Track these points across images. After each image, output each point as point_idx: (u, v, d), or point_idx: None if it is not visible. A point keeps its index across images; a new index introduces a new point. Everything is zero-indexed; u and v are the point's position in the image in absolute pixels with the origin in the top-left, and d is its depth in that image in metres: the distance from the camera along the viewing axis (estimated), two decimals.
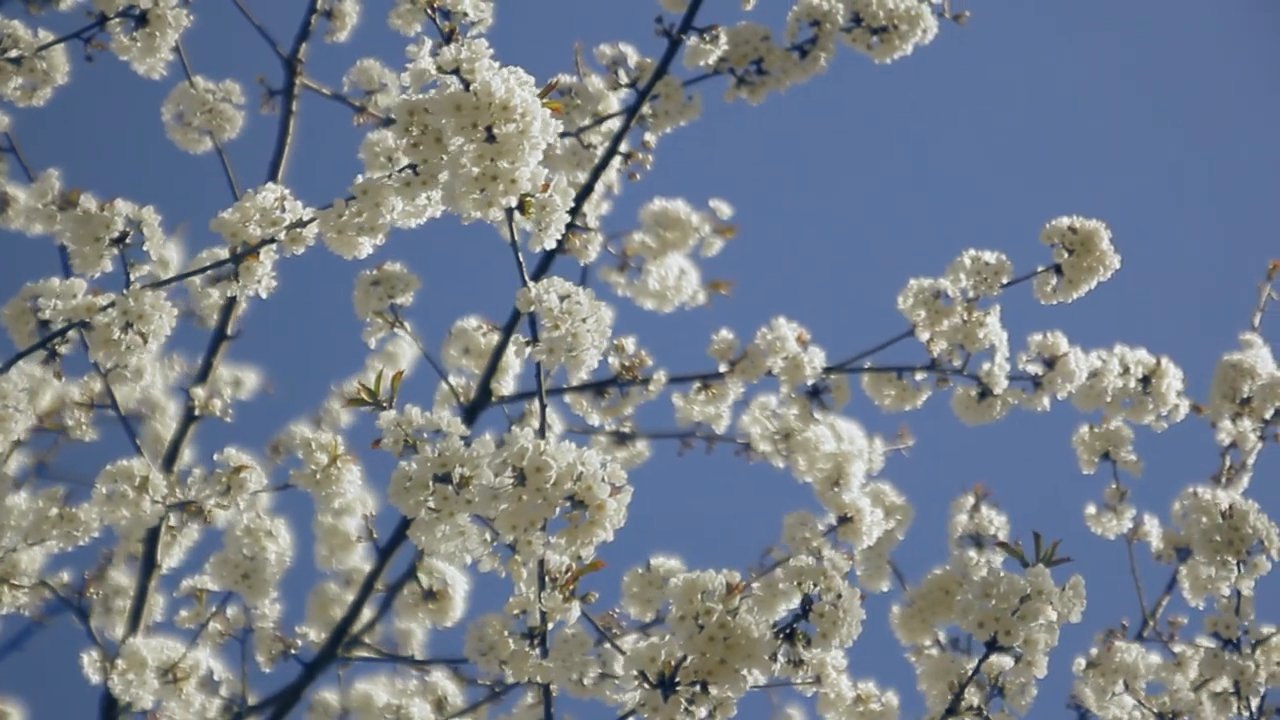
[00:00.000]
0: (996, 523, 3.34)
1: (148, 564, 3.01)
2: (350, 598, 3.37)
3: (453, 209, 1.91)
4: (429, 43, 1.94)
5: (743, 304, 3.49)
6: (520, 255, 1.95)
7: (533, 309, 1.92)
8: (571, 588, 1.95)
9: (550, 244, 1.91)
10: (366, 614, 3.30)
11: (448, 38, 1.93)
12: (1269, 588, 2.69)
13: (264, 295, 2.25)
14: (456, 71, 1.88)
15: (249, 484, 2.76)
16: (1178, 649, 2.98)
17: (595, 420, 3.26)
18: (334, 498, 2.72)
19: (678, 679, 1.93)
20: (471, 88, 1.87)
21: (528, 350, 1.90)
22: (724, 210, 3.48)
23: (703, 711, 1.93)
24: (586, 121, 3.13)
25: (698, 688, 1.93)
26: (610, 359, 3.23)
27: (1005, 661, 2.79)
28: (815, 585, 1.96)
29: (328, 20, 3.21)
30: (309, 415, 3.76)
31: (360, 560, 3.50)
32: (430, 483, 1.90)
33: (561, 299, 1.91)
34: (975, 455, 4.08)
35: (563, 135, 3.13)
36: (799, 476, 3.26)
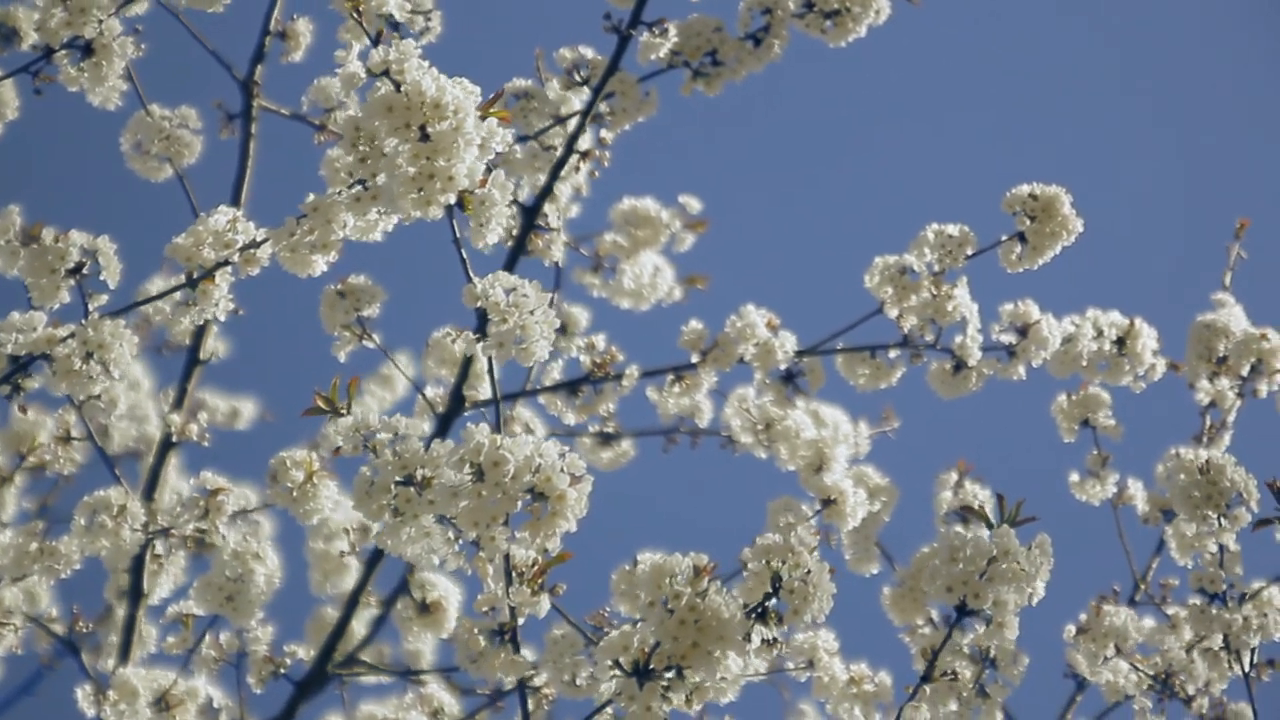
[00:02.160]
0: (980, 497, 3.34)
1: (134, 594, 3.02)
2: (351, 621, 3.37)
3: (393, 210, 1.91)
4: (357, 47, 1.94)
5: (710, 294, 3.50)
6: (465, 252, 1.95)
7: (479, 304, 1.92)
8: (540, 581, 1.95)
9: (492, 239, 1.91)
10: (362, 630, 3.31)
11: (376, 40, 1.93)
12: (1258, 542, 2.69)
13: (222, 318, 2.26)
14: (386, 73, 1.88)
15: (226, 507, 2.76)
16: (1171, 611, 2.98)
17: (571, 419, 3.27)
18: (312, 514, 2.72)
19: (652, 665, 1.93)
20: (402, 88, 1.87)
21: (478, 346, 1.91)
22: (693, 205, 3.49)
23: (679, 697, 1.93)
24: (547, 124, 3.14)
25: (673, 673, 1.93)
26: (581, 357, 3.24)
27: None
28: (783, 563, 1.96)
29: (282, 41, 3.21)
30: (306, 441, 3.76)
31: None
32: (392, 486, 1.90)
33: (508, 292, 1.91)
34: (958, 432, 4.08)
35: (522, 139, 3.14)
36: (783, 465, 3.26)
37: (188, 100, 3.15)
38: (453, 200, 1.89)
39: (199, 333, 3.15)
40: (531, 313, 1.90)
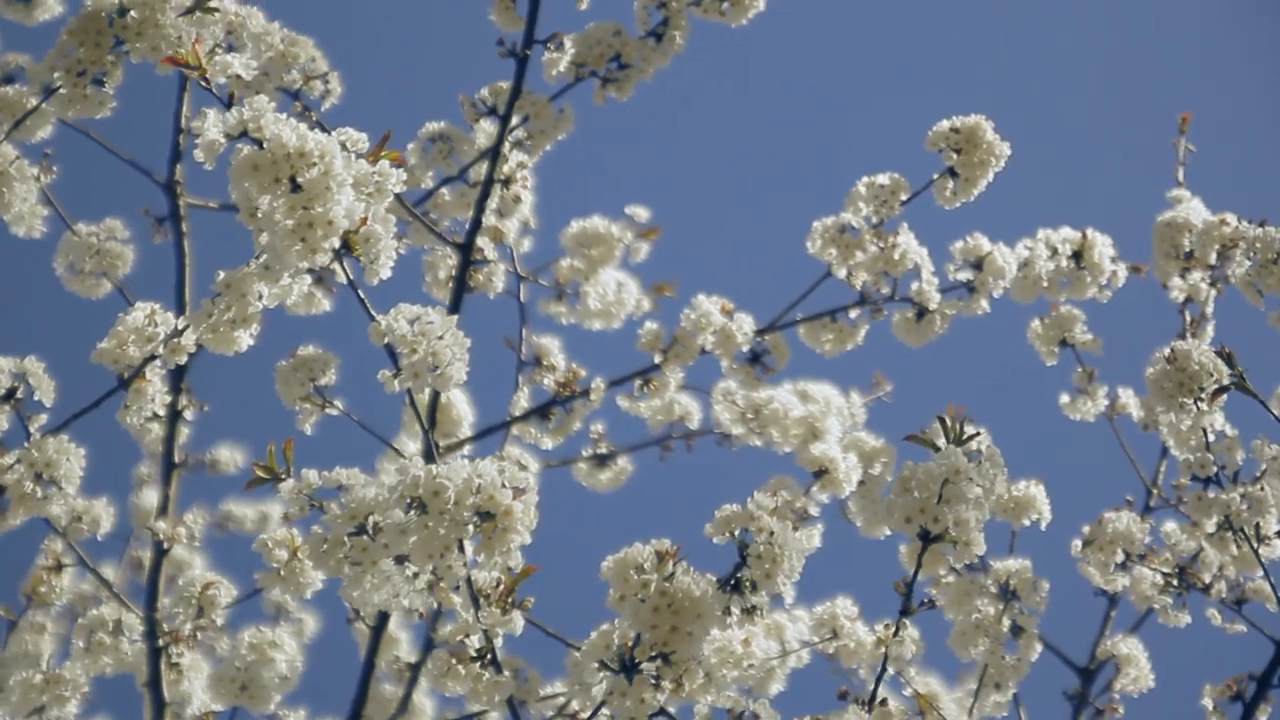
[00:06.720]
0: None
1: (158, 706, 3.01)
2: (402, 693, 3.36)
3: (281, 266, 1.91)
4: (210, 115, 1.94)
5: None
6: (361, 293, 1.95)
7: (387, 340, 1.92)
8: (508, 599, 1.94)
9: (385, 274, 1.91)
10: (394, 691, 3.31)
11: (228, 103, 1.93)
12: (1257, 421, 2.66)
13: (161, 413, 2.26)
14: (245, 133, 1.89)
15: (219, 600, 2.76)
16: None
17: (548, 444, 3.26)
18: (304, 589, 2.71)
19: (637, 659, 1.92)
20: (264, 145, 1.87)
21: (395, 383, 1.90)
22: (641, 214, 3.48)
23: (671, 683, 1.92)
24: (470, 161, 3.14)
25: (660, 660, 1.92)
26: (545, 380, 3.24)
27: (1014, 563, 2.79)
28: (745, 530, 1.95)
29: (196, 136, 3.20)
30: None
31: (406, 655, 3.49)
32: (346, 539, 1.90)
33: (411, 323, 1.91)
34: (950, 382, 4.07)
35: (446, 181, 3.14)
36: (778, 448, 3.26)
37: (114, 211, 3.16)
38: (337, 244, 1.89)
39: (170, 437, 3.14)
40: (440, 338, 1.89)
